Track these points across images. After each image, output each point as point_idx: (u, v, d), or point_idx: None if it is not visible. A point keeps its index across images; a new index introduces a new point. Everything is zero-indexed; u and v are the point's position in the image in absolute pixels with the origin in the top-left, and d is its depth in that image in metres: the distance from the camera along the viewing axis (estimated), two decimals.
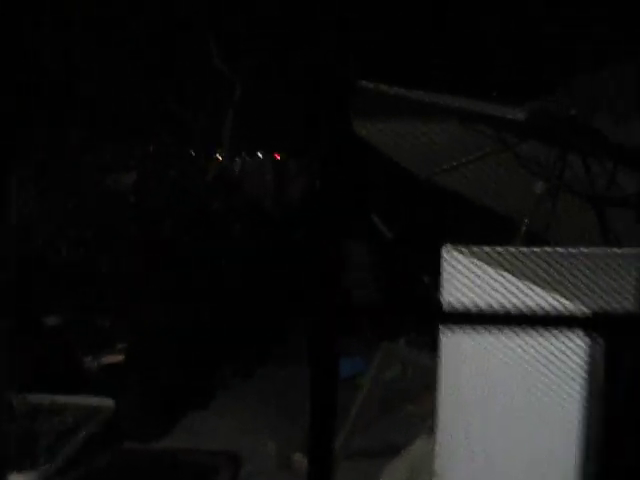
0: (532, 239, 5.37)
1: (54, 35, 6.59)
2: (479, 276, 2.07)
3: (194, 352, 6.37)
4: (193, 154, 7.70)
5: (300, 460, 5.17)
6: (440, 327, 2.45)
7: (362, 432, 5.59)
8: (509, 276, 2.03)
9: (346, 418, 5.74)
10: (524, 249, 2.43)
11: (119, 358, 5.95)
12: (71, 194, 6.43)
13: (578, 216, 5.27)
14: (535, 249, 2.46)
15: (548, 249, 2.51)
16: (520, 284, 2.02)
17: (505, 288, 1.98)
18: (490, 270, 2.08)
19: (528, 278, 2.07)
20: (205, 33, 7.23)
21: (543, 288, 1.99)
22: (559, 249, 2.49)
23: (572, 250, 2.43)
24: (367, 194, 8.07)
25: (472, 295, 2.15)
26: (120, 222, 6.56)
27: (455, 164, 5.44)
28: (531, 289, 1.99)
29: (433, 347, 3.41)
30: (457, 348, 2.79)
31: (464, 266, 2.11)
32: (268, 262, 7.63)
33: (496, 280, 2.02)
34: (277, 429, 5.69)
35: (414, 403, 6.08)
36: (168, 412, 5.86)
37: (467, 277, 2.12)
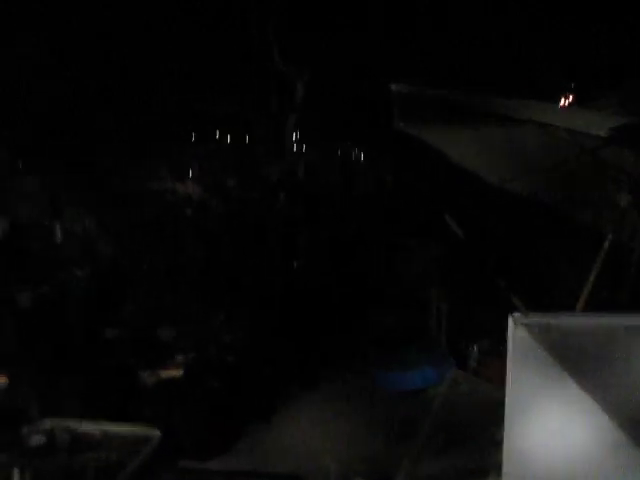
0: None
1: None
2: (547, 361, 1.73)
3: (257, 363, 6.18)
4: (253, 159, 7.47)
5: None
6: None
7: (431, 457, 5.25)
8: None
9: (414, 438, 5.40)
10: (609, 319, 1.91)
11: (179, 372, 5.79)
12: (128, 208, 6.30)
13: None
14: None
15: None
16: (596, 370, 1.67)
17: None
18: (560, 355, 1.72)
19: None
20: (266, 35, 6.98)
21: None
22: None
23: None
24: (441, 195, 7.70)
25: (540, 378, 1.80)
26: (180, 236, 6.37)
27: (532, 169, 5.01)
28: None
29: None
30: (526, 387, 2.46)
31: (532, 346, 1.76)
32: (333, 267, 7.35)
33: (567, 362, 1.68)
34: (338, 450, 5.43)
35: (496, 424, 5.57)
36: (228, 428, 5.67)
37: (535, 358, 1.77)
